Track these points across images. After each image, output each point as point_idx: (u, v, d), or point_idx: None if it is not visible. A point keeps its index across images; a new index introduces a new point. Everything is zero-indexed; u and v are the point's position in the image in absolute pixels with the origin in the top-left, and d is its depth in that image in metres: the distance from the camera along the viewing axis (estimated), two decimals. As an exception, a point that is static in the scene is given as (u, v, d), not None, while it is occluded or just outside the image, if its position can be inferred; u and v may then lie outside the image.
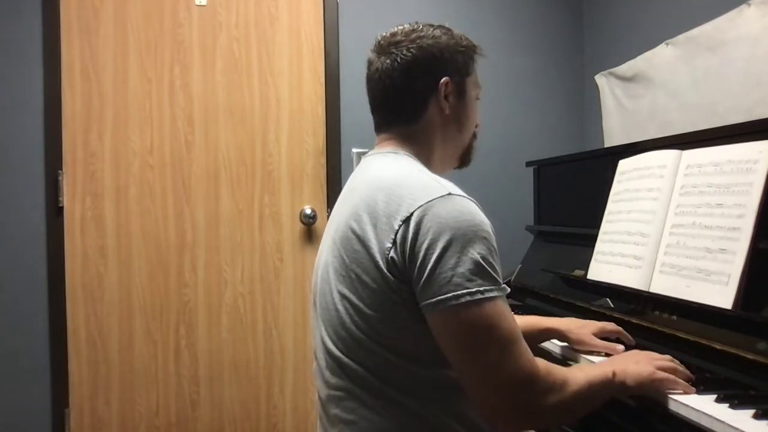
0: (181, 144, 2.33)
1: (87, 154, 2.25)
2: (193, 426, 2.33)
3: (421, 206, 0.89)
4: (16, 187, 2.18)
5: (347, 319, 0.95)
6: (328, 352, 1.00)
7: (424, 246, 0.87)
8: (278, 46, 2.40)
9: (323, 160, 2.44)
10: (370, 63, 1.12)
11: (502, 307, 0.88)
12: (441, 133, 1.09)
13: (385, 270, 0.90)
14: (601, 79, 2.51)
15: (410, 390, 0.93)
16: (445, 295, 0.85)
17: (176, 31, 2.32)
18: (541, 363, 0.90)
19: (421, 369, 0.93)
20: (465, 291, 0.85)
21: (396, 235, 0.89)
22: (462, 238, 0.87)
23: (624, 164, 1.57)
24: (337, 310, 0.97)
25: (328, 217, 2.38)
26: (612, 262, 1.46)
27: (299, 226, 2.42)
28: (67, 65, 2.23)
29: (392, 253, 0.89)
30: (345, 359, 0.96)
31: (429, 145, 1.08)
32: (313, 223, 2.41)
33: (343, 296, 0.95)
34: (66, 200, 2.23)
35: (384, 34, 1.10)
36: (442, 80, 1.05)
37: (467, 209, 0.91)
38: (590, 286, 1.52)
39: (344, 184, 2.56)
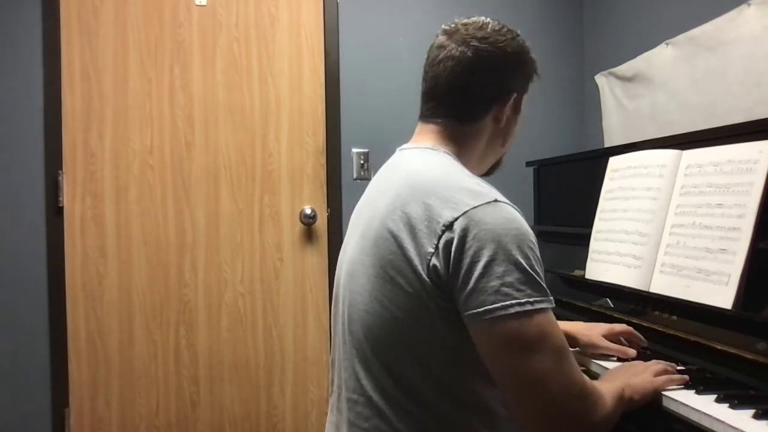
0: (181, 144, 2.33)
1: (87, 154, 2.25)
2: (193, 426, 2.33)
3: (466, 212, 0.85)
4: (16, 187, 2.18)
5: (378, 321, 0.91)
6: (350, 351, 0.97)
7: (470, 254, 0.83)
8: (278, 46, 2.40)
9: (323, 160, 2.44)
10: (441, 46, 1.01)
11: (553, 318, 0.85)
12: (487, 143, 1.05)
13: (424, 275, 0.86)
14: (601, 79, 2.51)
15: (428, 405, 0.90)
16: (493, 305, 0.81)
17: (176, 31, 2.32)
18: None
19: (442, 384, 0.90)
20: (515, 301, 0.81)
21: (439, 240, 0.85)
22: (510, 246, 0.83)
23: (616, 162, 1.57)
24: (367, 311, 0.93)
25: (328, 217, 2.41)
26: (609, 261, 1.46)
27: (299, 226, 2.42)
28: (67, 65, 2.23)
29: (434, 260, 0.85)
30: (370, 360, 0.93)
31: (472, 150, 1.04)
32: (313, 223, 2.41)
33: (375, 298, 0.91)
34: (66, 200, 2.23)
35: (465, 21, 1.02)
36: (512, 94, 1.03)
37: (513, 217, 0.87)
38: (590, 286, 1.52)
39: (344, 184, 2.57)
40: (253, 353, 2.38)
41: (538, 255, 0.87)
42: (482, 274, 0.82)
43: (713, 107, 1.87)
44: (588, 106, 2.69)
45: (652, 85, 2.17)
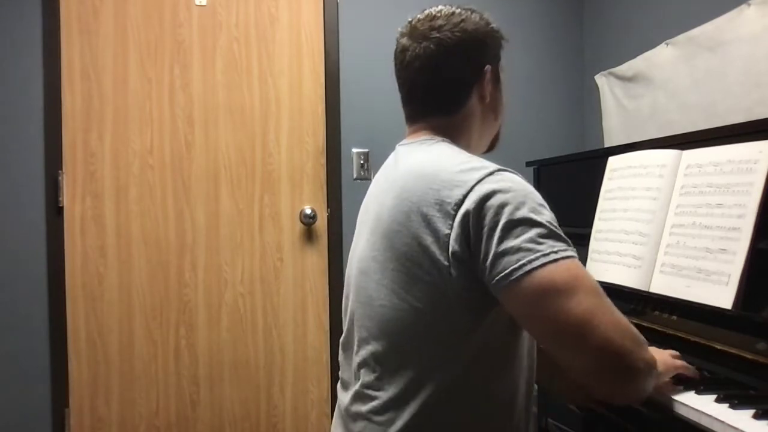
0: (181, 144, 2.33)
1: (87, 154, 2.25)
2: (193, 426, 2.33)
3: (473, 187, 0.86)
4: (16, 187, 2.18)
5: (396, 314, 0.92)
6: (365, 347, 0.97)
7: (486, 224, 0.84)
8: (278, 46, 2.40)
9: (323, 160, 2.44)
10: (404, 49, 1.03)
11: (581, 264, 0.84)
12: (480, 122, 1.05)
13: (443, 260, 0.86)
14: (601, 79, 2.52)
15: (444, 393, 0.90)
16: (518, 263, 0.81)
17: (176, 31, 2.32)
18: None
19: (458, 372, 0.90)
20: (539, 254, 0.81)
21: (453, 221, 0.86)
22: (521, 207, 0.84)
23: (615, 161, 1.57)
24: (383, 305, 0.93)
25: (328, 217, 2.41)
26: (609, 261, 1.46)
27: (299, 226, 2.42)
28: (67, 65, 2.23)
29: (452, 241, 0.86)
30: (387, 354, 0.93)
31: (467, 134, 1.04)
32: (313, 223, 2.41)
33: (392, 291, 0.92)
34: (66, 200, 2.23)
35: (419, 17, 1.03)
36: (486, 68, 1.02)
37: (519, 180, 0.89)
38: (590, 286, 1.52)
39: (344, 184, 2.57)
40: (253, 353, 2.38)
41: (551, 212, 0.88)
42: (501, 239, 0.83)
43: (713, 107, 1.87)
44: (588, 106, 2.69)
45: (652, 85, 2.17)
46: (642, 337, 0.84)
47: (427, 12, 1.03)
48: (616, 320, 0.81)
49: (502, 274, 0.82)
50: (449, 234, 0.86)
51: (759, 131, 1.18)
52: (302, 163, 2.43)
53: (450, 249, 0.86)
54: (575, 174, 1.95)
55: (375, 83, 2.46)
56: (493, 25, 1.06)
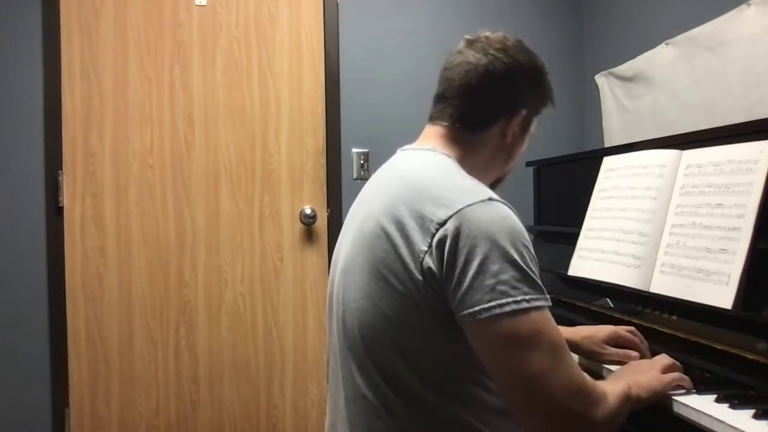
0: (181, 144, 2.33)
1: (87, 154, 2.25)
2: (193, 426, 2.33)
3: (460, 210, 0.85)
4: (16, 187, 2.18)
5: (369, 319, 0.91)
6: (346, 348, 0.96)
7: (464, 252, 0.82)
8: (278, 46, 2.40)
9: (323, 160, 2.44)
10: (459, 51, 1.04)
11: (549, 316, 0.84)
12: (490, 156, 1.05)
13: (417, 274, 0.85)
14: (601, 79, 2.51)
15: (419, 403, 0.89)
16: (489, 303, 0.81)
17: (176, 31, 2.32)
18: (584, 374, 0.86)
19: (432, 382, 0.89)
20: (510, 299, 0.81)
21: (432, 239, 0.85)
22: (504, 244, 0.83)
23: (611, 161, 1.57)
24: (358, 308, 0.93)
25: (328, 217, 2.41)
26: (604, 259, 1.45)
27: (299, 226, 2.42)
28: (67, 65, 2.23)
29: (427, 258, 0.85)
30: (363, 359, 0.92)
31: (474, 158, 1.03)
32: (313, 223, 2.41)
33: (367, 295, 0.91)
34: (66, 200, 2.23)
35: (489, 34, 1.04)
36: (522, 111, 1.03)
37: (507, 215, 0.87)
38: (590, 285, 1.52)
39: (344, 184, 2.57)
40: (253, 353, 2.38)
41: (533, 253, 0.87)
42: (477, 273, 0.82)
43: (713, 107, 1.87)
44: (588, 106, 2.69)
45: (652, 85, 2.17)
46: (597, 394, 0.85)
47: (499, 34, 1.04)
48: (569, 381, 0.82)
49: (470, 310, 0.82)
50: (425, 251, 0.85)
51: (759, 131, 1.18)
52: (302, 163, 2.43)
53: (424, 266, 0.85)
54: (575, 174, 1.95)
55: (375, 83, 2.46)
56: (548, 78, 1.09)
